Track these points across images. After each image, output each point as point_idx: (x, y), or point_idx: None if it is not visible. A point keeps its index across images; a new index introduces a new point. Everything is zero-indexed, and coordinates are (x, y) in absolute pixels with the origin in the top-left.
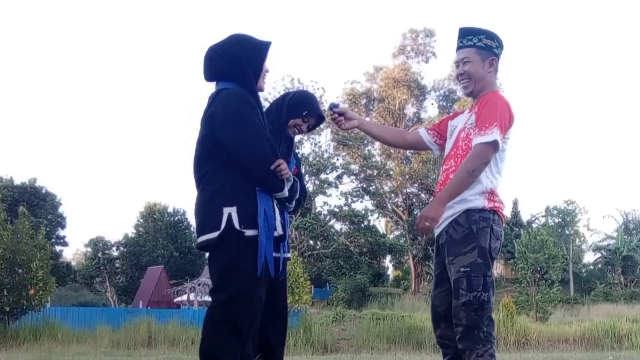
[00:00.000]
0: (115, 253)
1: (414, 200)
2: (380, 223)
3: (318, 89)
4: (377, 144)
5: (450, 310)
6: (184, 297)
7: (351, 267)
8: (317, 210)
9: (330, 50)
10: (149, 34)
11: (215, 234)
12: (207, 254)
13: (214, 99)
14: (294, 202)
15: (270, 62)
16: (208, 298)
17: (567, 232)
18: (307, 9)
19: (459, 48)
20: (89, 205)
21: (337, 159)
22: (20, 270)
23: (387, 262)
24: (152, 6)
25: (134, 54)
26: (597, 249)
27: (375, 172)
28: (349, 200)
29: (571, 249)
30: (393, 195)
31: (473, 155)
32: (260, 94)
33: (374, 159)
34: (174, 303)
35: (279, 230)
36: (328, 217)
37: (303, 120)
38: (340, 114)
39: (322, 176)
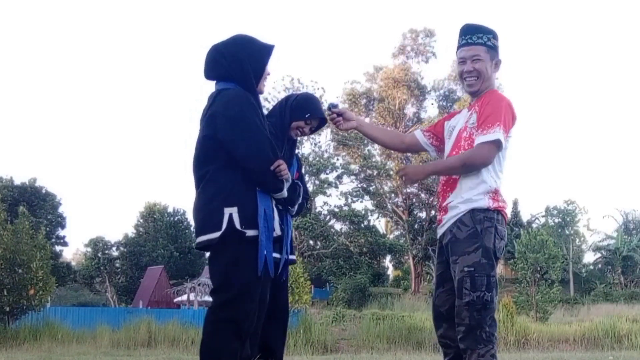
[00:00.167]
0: (115, 253)
1: (414, 200)
2: (380, 223)
3: (318, 89)
4: None
5: (453, 310)
6: (184, 297)
7: (351, 267)
8: (317, 210)
9: (330, 50)
10: (148, 34)
11: (216, 234)
12: (207, 254)
13: (214, 99)
14: (296, 206)
15: (271, 65)
16: (208, 298)
17: (567, 232)
18: (307, 9)
19: (468, 44)
20: (89, 205)
21: (337, 159)
22: (20, 270)
23: (387, 262)
24: (151, 6)
25: (134, 54)
26: (597, 249)
27: (375, 172)
28: (349, 200)
29: (571, 249)
30: (393, 195)
31: (474, 152)
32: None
33: (374, 159)
34: (174, 303)
35: (277, 231)
36: (328, 217)
37: (306, 122)
38: (339, 115)
39: (322, 176)
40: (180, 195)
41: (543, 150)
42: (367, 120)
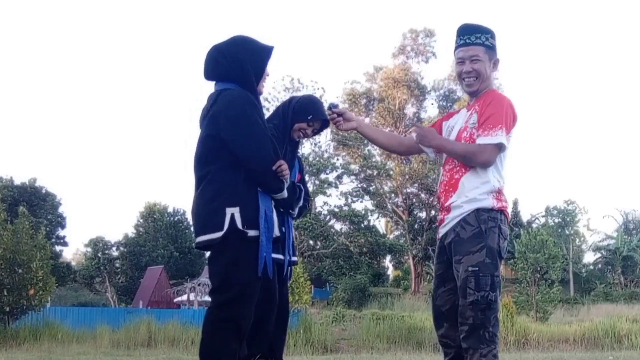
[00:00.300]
0: (115, 253)
1: (414, 200)
2: (380, 223)
3: (318, 89)
4: None
5: (454, 310)
6: (184, 297)
7: (351, 267)
8: (317, 210)
9: (330, 50)
10: (148, 34)
11: (218, 234)
12: (207, 254)
13: (216, 99)
14: (296, 209)
15: (271, 66)
16: (208, 298)
17: (567, 232)
18: (307, 9)
19: (466, 44)
20: (89, 205)
21: (337, 159)
22: (20, 270)
23: (387, 262)
24: (151, 6)
25: (133, 54)
26: (597, 249)
27: (375, 172)
28: (349, 200)
29: (571, 249)
30: (393, 195)
31: (477, 150)
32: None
33: (374, 159)
34: (174, 303)
35: (276, 232)
36: (328, 217)
37: (308, 124)
38: (339, 115)
39: (322, 176)
40: (180, 195)
41: (543, 150)
42: (367, 120)
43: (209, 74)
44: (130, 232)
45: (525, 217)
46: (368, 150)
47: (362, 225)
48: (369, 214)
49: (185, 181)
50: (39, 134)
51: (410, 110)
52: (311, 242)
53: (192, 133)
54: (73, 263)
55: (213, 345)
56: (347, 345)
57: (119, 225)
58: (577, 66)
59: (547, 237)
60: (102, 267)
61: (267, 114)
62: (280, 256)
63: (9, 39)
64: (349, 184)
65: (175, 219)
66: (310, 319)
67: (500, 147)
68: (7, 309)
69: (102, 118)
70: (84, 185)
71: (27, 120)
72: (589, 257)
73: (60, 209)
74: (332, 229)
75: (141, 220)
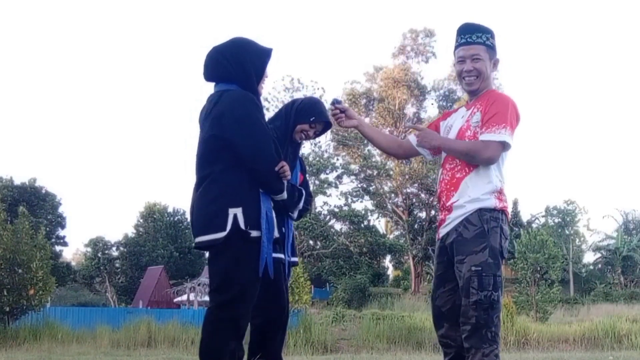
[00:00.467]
0: (115, 253)
1: (414, 200)
2: (380, 223)
3: (318, 89)
4: None
5: (454, 310)
6: (184, 297)
7: (351, 267)
8: (317, 210)
9: (330, 50)
10: (148, 34)
11: (221, 235)
12: (207, 254)
13: (218, 100)
14: (296, 212)
15: (270, 67)
16: (208, 298)
17: (567, 232)
18: (307, 9)
19: (467, 43)
20: (89, 205)
21: (337, 159)
22: (20, 270)
23: (387, 262)
24: (151, 6)
25: (133, 54)
26: (597, 249)
27: (375, 172)
28: (349, 200)
29: (571, 249)
30: (393, 195)
31: (481, 147)
32: None
33: (373, 159)
34: (174, 303)
35: (276, 233)
36: (328, 217)
37: (310, 126)
38: (342, 111)
39: (322, 176)
40: (180, 195)
41: (543, 150)
42: (367, 120)
43: (210, 75)
44: (130, 232)
45: (525, 217)
46: (368, 150)
47: (362, 225)
48: (369, 214)
49: (185, 181)
50: (39, 134)
51: (410, 110)
52: (311, 242)
53: (192, 133)
54: (73, 263)
55: (213, 345)
56: (347, 345)
57: (119, 225)
58: (577, 66)
59: (547, 237)
60: (102, 267)
61: (267, 114)
62: (281, 255)
63: (9, 39)
64: (349, 184)
65: (175, 219)
66: (310, 319)
67: (504, 146)
68: (7, 309)
69: (102, 118)
70: (84, 185)
71: (27, 120)
72: (589, 257)
73: (60, 209)
74: (332, 229)
75: (141, 220)
